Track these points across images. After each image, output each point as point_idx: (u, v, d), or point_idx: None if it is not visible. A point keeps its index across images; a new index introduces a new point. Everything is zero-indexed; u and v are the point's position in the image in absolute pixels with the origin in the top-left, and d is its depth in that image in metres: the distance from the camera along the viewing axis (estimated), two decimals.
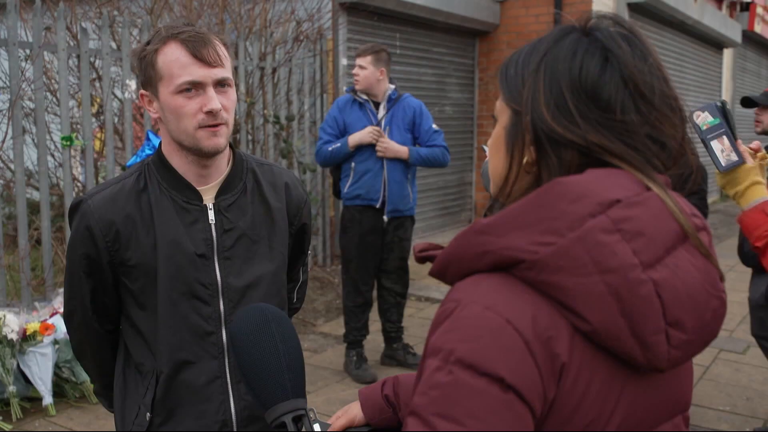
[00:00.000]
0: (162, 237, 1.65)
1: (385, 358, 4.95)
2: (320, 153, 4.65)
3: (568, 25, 0.99)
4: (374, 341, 5.02)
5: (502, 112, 1.02)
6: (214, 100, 1.59)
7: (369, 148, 4.57)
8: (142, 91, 1.67)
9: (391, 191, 4.61)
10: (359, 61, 4.53)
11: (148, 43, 1.63)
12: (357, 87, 4.57)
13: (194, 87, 1.59)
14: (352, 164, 4.59)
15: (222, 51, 1.63)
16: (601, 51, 0.94)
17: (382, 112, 4.61)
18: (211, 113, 1.59)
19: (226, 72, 1.62)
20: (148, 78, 1.63)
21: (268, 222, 1.76)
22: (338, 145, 4.57)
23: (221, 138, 1.63)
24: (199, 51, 1.58)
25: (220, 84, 1.62)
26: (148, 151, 4.40)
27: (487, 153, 1.08)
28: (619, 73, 0.93)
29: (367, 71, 4.52)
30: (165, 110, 1.62)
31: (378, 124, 4.57)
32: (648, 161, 0.94)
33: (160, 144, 1.74)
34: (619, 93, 0.92)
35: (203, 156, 1.65)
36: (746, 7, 14.89)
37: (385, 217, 4.65)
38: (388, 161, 4.59)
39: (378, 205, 4.62)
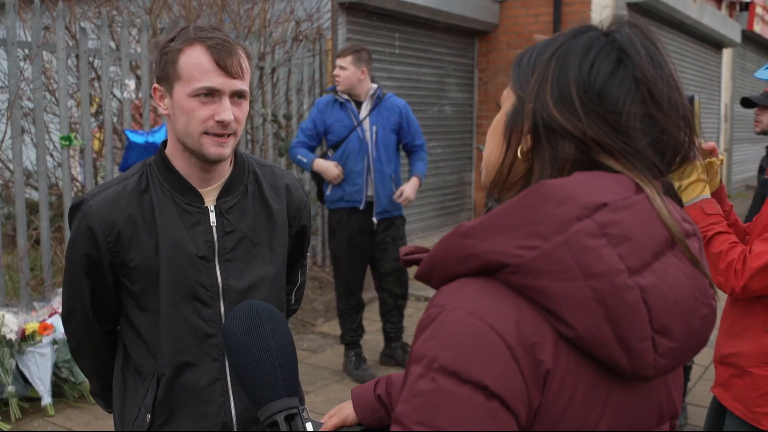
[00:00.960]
0: (164, 238, 1.65)
1: (384, 357, 4.95)
2: (291, 153, 4.68)
3: (590, 24, 0.99)
4: (374, 341, 5.02)
5: (507, 98, 1.02)
6: (228, 110, 1.59)
7: (349, 149, 4.53)
8: (156, 85, 1.67)
9: (378, 192, 4.58)
10: (339, 61, 4.51)
11: (172, 39, 1.62)
12: (339, 88, 4.53)
13: (211, 94, 1.59)
14: None
15: (245, 63, 1.63)
16: (617, 51, 0.94)
17: (364, 112, 4.58)
18: (221, 123, 1.60)
19: (244, 84, 1.63)
20: (166, 74, 1.63)
21: (268, 224, 1.76)
22: (305, 160, 4.57)
23: (227, 149, 1.64)
24: (223, 60, 1.58)
25: (237, 95, 1.62)
26: (134, 155, 4.43)
27: (485, 144, 1.07)
28: (632, 74, 0.92)
29: (347, 71, 4.49)
30: (176, 109, 1.62)
31: (360, 123, 4.55)
32: (645, 165, 0.93)
33: (162, 144, 1.74)
34: (628, 95, 0.92)
35: (205, 161, 1.65)
36: (745, 7, 14.89)
37: (374, 219, 4.62)
38: (373, 161, 4.56)
39: (362, 207, 4.58)
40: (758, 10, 15.25)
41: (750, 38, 15.89)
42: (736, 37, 13.87)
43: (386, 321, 4.89)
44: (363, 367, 4.72)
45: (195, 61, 1.58)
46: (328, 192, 4.62)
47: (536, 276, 0.85)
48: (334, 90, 4.61)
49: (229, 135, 1.63)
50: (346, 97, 4.56)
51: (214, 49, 1.58)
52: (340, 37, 7.08)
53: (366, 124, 4.57)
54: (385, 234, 4.69)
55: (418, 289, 6.53)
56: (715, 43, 13.76)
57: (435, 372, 0.84)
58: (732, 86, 15.28)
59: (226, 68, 1.58)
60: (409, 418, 0.85)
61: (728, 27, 13.33)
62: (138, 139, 4.53)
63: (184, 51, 1.60)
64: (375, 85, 4.62)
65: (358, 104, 4.59)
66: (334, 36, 7.01)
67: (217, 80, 1.58)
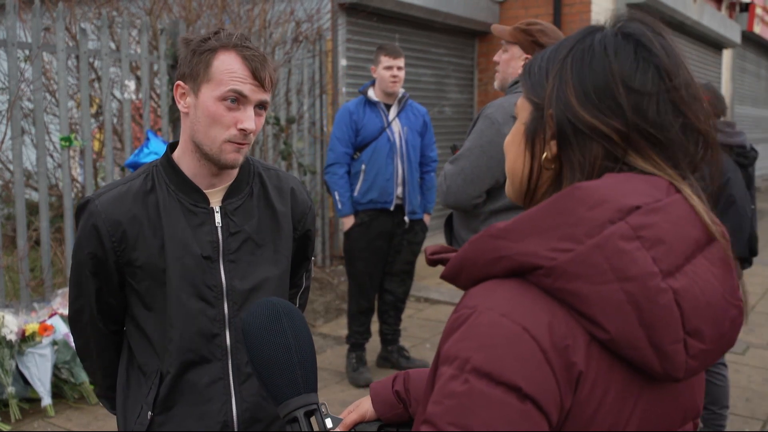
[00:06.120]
0: (170, 238, 1.66)
1: (381, 360, 4.94)
2: (330, 177, 4.54)
3: (597, 25, 0.99)
4: (373, 341, 5.02)
5: (522, 108, 1.01)
6: (251, 120, 1.61)
7: (378, 150, 4.50)
8: (179, 82, 1.66)
9: (409, 193, 4.57)
10: (399, 62, 4.48)
11: (205, 40, 1.62)
12: (395, 90, 4.50)
13: (238, 100, 1.60)
14: (363, 166, 4.51)
15: (274, 77, 1.66)
16: (635, 45, 0.94)
17: (393, 113, 4.58)
18: (243, 131, 1.61)
19: (268, 96, 1.65)
20: (195, 73, 1.62)
21: (273, 226, 1.77)
22: (339, 206, 4.52)
23: (242, 155, 1.66)
24: (258, 71, 1.60)
25: (260, 106, 1.64)
26: (145, 151, 4.40)
27: (504, 151, 1.06)
28: (653, 65, 0.93)
29: (403, 72, 4.53)
30: (199, 111, 1.63)
31: (390, 124, 4.54)
32: (677, 156, 0.93)
33: (168, 146, 1.75)
34: (653, 86, 0.92)
35: (217, 165, 1.67)
36: (745, 8, 14.89)
37: (406, 219, 4.61)
38: (405, 161, 4.55)
39: (392, 208, 4.56)
40: (758, 11, 15.25)
41: (750, 39, 15.89)
42: (736, 37, 13.87)
43: (383, 322, 4.88)
44: (360, 370, 4.69)
45: (230, 67, 1.59)
46: (356, 193, 4.55)
47: (569, 279, 0.85)
48: (365, 90, 4.59)
49: (245, 144, 1.65)
50: (376, 99, 4.54)
51: (250, 59, 1.60)
52: (340, 38, 7.08)
53: (395, 125, 4.56)
54: (403, 237, 4.67)
55: (417, 290, 6.53)
56: (714, 44, 13.76)
57: (468, 373, 0.84)
58: (732, 87, 15.28)
59: (258, 79, 1.61)
60: (441, 419, 0.85)
61: (728, 28, 13.33)
62: (156, 145, 4.48)
63: (220, 53, 1.60)
64: (402, 89, 4.64)
65: (387, 106, 4.58)
66: (334, 37, 7.01)
67: (248, 87, 1.60)
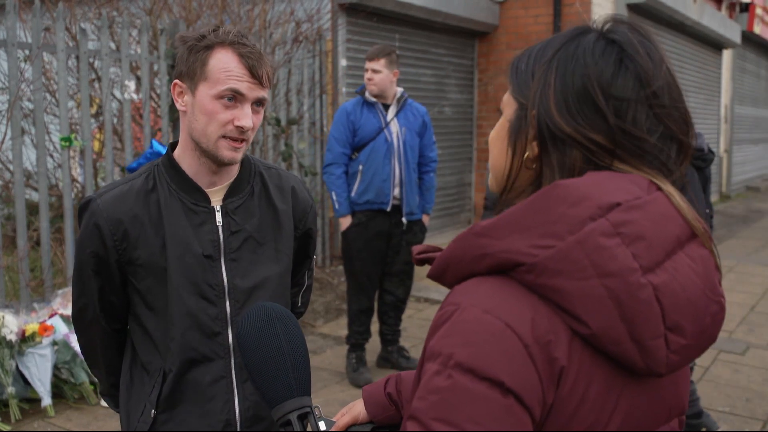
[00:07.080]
0: (171, 237, 1.67)
1: (381, 360, 4.94)
2: (328, 178, 4.54)
3: (585, 26, 0.99)
4: (373, 341, 5.02)
5: (508, 104, 1.02)
6: (248, 117, 1.62)
7: (376, 150, 4.49)
8: (177, 81, 1.67)
9: (407, 193, 4.57)
10: (373, 64, 4.44)
11: (202, 37, 1.63)
12: (373, 91, 4.47)
13: (235, 98, 1.61)
14: (360, 166, 4.51)
15: (270, 73, 1.67)
16: (618, 52, 0.94)
17: (391, 114, 4.57)
18: (240, 128, 1.62)
19: (266, 93, 1.66)
20: (191, 72, 1.64)
21: (274, 225, 1.78)
22: (336, 206, 4.52)
23: (239, 153, 1.67)
24: (255, 68, 1.61)
25: (257, 103, 1.65)
26: (149, 157, 4.41)
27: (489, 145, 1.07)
28: (634, 74, 0.93)
29: (381, 74, 4.45)
30: (196, 109, 1.64)
31: (388, 125, 4.54)
32: (653, 165, 0.94)
33: (169, 146, 1.76)
34: (633, 94, 0.92)
35: (216, 163, 1.68)
36: (745, 8, 14.89)
37: (404, 220, 4.60)
38: (403, 161, 4.54)
39: (388, 209, 4.56)
40: (758, 11, 15.25)
41: (750, 39, 15.89)
42: (736, 38, 13.87)
43: (383, 322, 4.88)
44: (360, 370, 4.69)
45: (226, 66, 1.60)
46: (353, 193, 4.55)
47: (551, 275, 0.86)
48: (362, 91, 4.57)
49: (243, 141, 1.65)
50: (374, 99, 4.53)
51: (246, 57, 1.61)
52: (340, 38, 7.08)
53: (393, 126, 4.55)
54: (402, 237, 4.67)
55: (417, 290, 6.53)
56: (714, 44, 13.76)
57: (451, 369, 0.85)
58: (732, 87, 15.28)
59: (256, 76, 1.61)
60: (425, 415, 0.86)
61: (728, 28, 13.33)
62: (162, 150, 4.49)
63: (215, 52, 1.61)
64: (401, 89, 4.62)
65: (385, 107, 4.56)
66: (334, 37, 7.01)
67: (245, 86, 1.61)
